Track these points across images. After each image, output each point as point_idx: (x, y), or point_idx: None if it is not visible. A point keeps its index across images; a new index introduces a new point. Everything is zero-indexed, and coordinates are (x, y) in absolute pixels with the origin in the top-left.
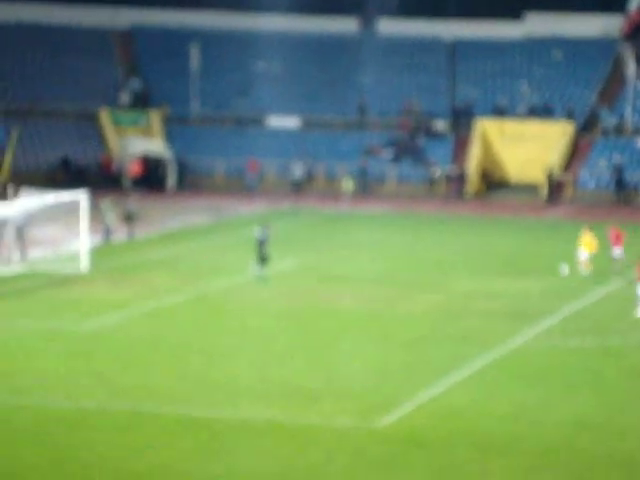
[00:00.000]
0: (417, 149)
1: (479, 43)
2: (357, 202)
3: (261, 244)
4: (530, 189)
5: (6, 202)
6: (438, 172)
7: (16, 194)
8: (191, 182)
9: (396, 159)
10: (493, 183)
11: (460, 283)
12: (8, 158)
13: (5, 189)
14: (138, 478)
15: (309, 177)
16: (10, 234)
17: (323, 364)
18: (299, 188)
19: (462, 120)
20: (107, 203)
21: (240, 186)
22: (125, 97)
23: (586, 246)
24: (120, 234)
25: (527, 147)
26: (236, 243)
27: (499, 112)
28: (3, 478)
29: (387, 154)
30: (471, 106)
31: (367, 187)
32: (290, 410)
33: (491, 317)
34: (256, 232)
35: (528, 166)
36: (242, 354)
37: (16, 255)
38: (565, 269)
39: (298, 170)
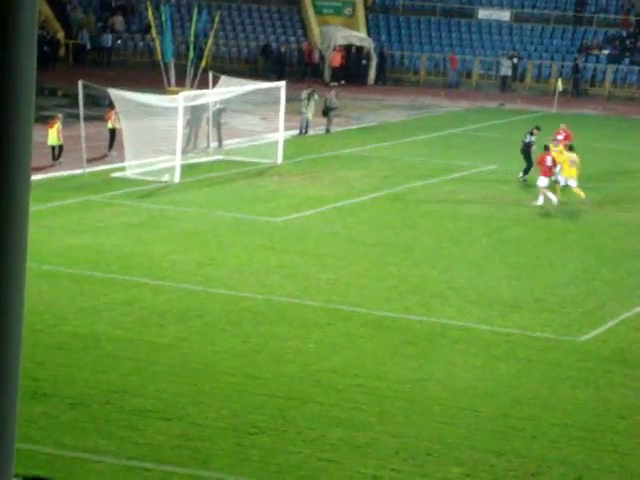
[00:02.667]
0: (638, 49)
1: None
2: (568, 103)
3: (528, 148)
4: None
5: (205, 89)
6: None
7: (216, 81)
8: (393, 76)
9: (614, 59)
10: None
11: None
12: (210, 44)
13: (206, 76)
14: (329, 376)
15: (518, 75)
16: (208, 122)
17: (522, 273)
18: (506, 86)
19: None
20: (306, 94)
21: (444, 82)
22: None
23: None
24: (317, 127)
25: None
26: (436, 141)
27: None
28: (197, 363)
29: (604, 53)
30: None
31: (580, 87)
32: (486, 319)
33: None
34: (526, 137)
35: None
36: (437, 257)
37: (213, 144)
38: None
39: (506, 67)
